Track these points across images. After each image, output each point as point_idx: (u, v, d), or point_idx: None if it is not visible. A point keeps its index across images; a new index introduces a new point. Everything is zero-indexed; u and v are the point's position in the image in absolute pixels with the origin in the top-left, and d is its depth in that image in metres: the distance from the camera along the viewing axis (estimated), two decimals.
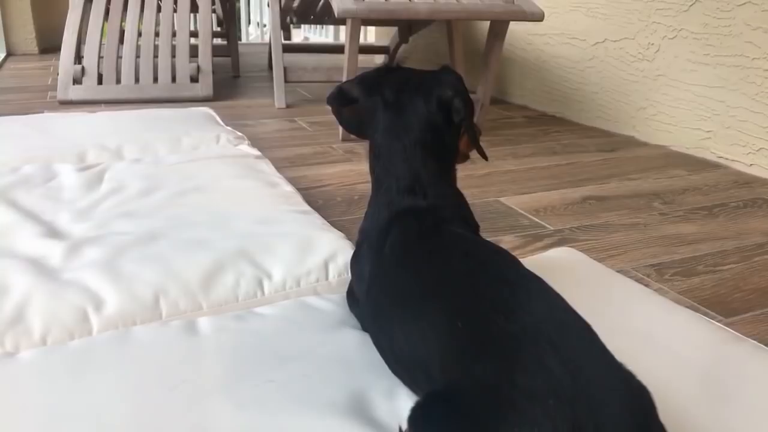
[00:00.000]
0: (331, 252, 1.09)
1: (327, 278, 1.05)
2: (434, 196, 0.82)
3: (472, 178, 1.99)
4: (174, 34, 3.12)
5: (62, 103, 2.88)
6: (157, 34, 3.11)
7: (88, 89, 2.93)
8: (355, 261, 0.91)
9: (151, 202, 1.33)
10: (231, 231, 1.16)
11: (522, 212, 1.72)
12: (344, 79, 2.28)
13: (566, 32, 2.83)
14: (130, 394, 0.73)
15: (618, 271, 1.32)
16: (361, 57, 2.30)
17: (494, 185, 1.93)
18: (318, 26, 6.13)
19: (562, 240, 1.54)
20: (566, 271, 1.11)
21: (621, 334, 0.87)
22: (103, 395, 0.73)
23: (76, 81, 2.94)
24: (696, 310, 1.22)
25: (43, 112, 2.49)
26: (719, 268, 1.41)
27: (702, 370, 0.80)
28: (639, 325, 0.92)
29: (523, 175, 2.06)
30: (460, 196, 0.89)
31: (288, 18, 3.19)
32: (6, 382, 0.76)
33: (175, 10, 3.16)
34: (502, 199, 1.82)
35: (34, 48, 4.48)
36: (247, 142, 1.86)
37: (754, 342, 0.92)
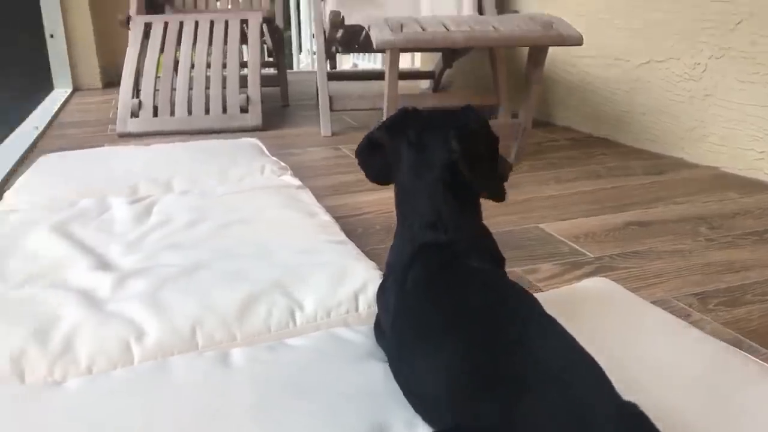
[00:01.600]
0: (362, 283, 1.11)
1: (357, 309, 1.07)
2: (454, 231, 0.84)
3: (513, 204, 1.98)
4: (224, 66, 3.24)
5: (121, 135, 3.03)
6: (208, 66, 3.25)
7: (144, 122, 3.08)
8: (381, 293, 0.93)
9: (196, 234, 1.39)
10: (269, 262, 1.20)
11: (562, 239, 1.71)
12: (385, 107, 2.33)
13: (610, 54, 2.80)
14: (168, 423, 0.76)
15: (658, 302, 1.30)
16: (407, 82, 2.34)
17: (535, 211, 1.92)
18: (366, 56, 6.25)
19: (601, 268, 1.52)
20: (598, 301, 1.10)
21: (644, 366, 0.86)
22: (141, 423, 0.77)
23: (134, 114, 3.09)
24: (739, 342, 1.18)
25: (102, 146, 2.63)
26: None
27: (724, 402, 0.79)
28: (664, 356, 0.90)
29: (565, 200, 2.04)
30: (483, 229, 0.90)
31: (333, 48, 3.27)
32: (54, 410, 0.81)
33: (225, 42, 3.29)
34: (542, 225, 1.81)
35: (98, 83, 4.73)
36: (289, 172, 1.92)
37: None
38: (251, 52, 3.29)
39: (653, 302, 1.15)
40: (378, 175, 0.95)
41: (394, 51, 2.16)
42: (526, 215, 1.89)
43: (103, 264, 1.23)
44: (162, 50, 3.24)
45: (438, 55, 3.85)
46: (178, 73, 3.21)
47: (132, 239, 1.37)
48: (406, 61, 5.40)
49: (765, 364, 0.95)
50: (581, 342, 0.67)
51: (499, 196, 0.92)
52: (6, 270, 1.22)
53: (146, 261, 1.25)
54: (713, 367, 0.88)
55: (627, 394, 0.61)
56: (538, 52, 2.24)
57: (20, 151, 2.72)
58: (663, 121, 2.58)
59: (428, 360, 0.69)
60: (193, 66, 3.24)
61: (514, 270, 1.51)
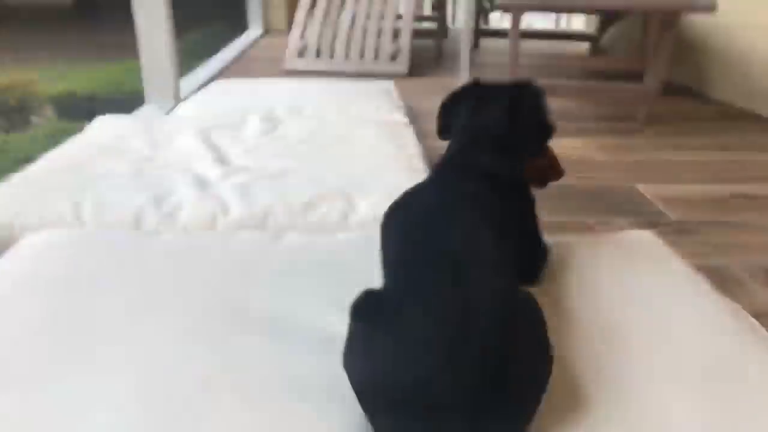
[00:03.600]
0: None
1: None
2: (476, 163, 0.94)
3: (620, 164, 1.98)
4: (382, 17, 3.47)
5: (287, 72, 3.41)
6: (368, 16, 3.50)
7: (308, 61, 3.43)
8: None
9: (300, 149, 1.64)
10: (345, 174, 1.41)
11: (651, 200, 1.71)
12: (510, 63, 2.39)
13: None
14: (216, 272, 0.99)
15: (715, 267, 1.30)
16: (566, 44, 2.35)
17: (639, 171, 1.91)
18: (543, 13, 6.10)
19: (676, 230, 1.52)
20: (626, 249, 1.13)
21: (639, 308, 0.89)
22: (198, 268, 1.01)
23: (300, 54, 3.45)
24: None
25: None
26: None
27: (704, 358, 0.80)
28: (656, 301, 0.91)
29: (677, 166, 1.99)
30: (517, 185, 0.97)
31: (486, 3, 3.34)
32: (153, 250, 1.09)
33: None
34: (638, 186, 1.80)
35: (284, 25, 5.23)
36: (402, 112, 2.09)
37: None
38: (405, 5, 3.47)
39: (711, 266, 1.16)
40: (443, 130, 1.05)
41: (515, 11, 2.21)
42: (628, 174, 1.88)
43: (221, 159, 1.53)
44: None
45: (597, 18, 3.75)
46: (341, 21, 3.50)
47: (251, 146, 1.65)
48: (576, 21, 5.23)
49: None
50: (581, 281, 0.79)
51: (536, 155, 0.99)
52: (155, 156, 1.57)
53: (254, 162, 1.52)
54: (699, 320, 0.89)
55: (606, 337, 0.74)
56: (670, 17, 2.15)
57: (206, 77, 3.20)
58: None
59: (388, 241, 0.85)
60: (354, 15, 3.51)
61: (586, 221, 1.56)
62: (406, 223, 0.85)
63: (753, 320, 0.83)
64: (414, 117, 2.14)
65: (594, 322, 0.84)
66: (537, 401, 0.63)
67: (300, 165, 1.49)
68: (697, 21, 2.99)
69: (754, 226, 1.55)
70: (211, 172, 1.44)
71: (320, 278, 0.97)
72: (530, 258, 0.93)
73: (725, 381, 0.73)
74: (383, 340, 0.63)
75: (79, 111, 3.79)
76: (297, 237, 1.14)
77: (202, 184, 1.37)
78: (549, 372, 0.65)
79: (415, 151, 1.67)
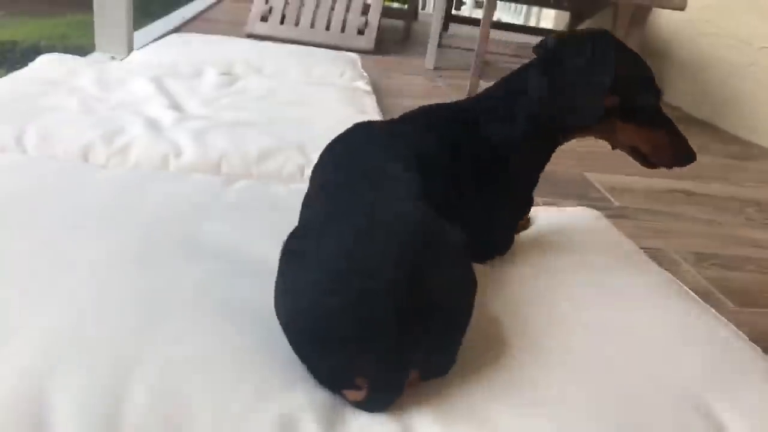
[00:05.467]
0: None
1: None
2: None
3: (574, 152, 2.02)
4: None
5: (249, 35, 3.34)
6: None
7: (271, 26, 3.37)
8: None
9: (259, 104, 1.61)
10: (302, 131, 1.39)
11: (598, 187, 1.76)
12: (477, 46, 2.41)
13: (733, 34, 2.66)
14: (160, 209, 0.97)
15: (653, 249, 1.35)
16: (535, 39, 2.39)
17: (589, 161, 1.96)
18: (513, 8, 6.16)
19: (618, 215, 1.58)
20: (570, 223, 1.16)
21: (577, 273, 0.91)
22: (144, 202, 0.98)
23: (263, 18, 3.39)
24: (707, 293, 1.23)
25: None
26: None
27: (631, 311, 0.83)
28: (604, 269, 0.94)
29: (625, 159, 2.03)
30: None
31: None
32: (98, 181, 1.06)
33: None
34: (587, 174, 1.86)
35: None
36: (366, 81, 2.09)
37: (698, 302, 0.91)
38: None
39: (647, 247, 1.20)
40: None
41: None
42: (578, 162, 1.94)
43: (175, 106, 1.49)
44: None
45: (567, 15, 3.82)
46: None
47: (207, 98, 1.62)
48: (545, 18, 5.32)
49: (701, 303, 0.95)
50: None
51: (592, 123, 0.81)
52: (108, 97, 1.51)
53: (210, 112, 1.49)
54: (635, 280, 0.93)
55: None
56: (641, 13, 2.22)
57: (161, 32, 3.11)
58: (765, 111, 2.45)
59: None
60: None
61: (536, 199, 1.60)
62: (336, 153, 0.81)
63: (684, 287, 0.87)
64: (376, 91, 2.13)
65: (528, 286, 0.85)
66: (454, 332, 0.61)
67: (257, 119, 1.47)
68: (661, 30, 3.09)
69: (688, 218, 1.63)
70: (165, 116, 1.40)
71: (271, 219, 0.95)
72: (484, 240, 0.81)
73: (650, 328, 0.76)
74: (293, 276, 0.62)
75: (18, 61, 3.63)
76: (250, 183, 1.13)
77: (154, 126, 1.33)
78: (470, 303, 0.63)
79: (375, 116, 1.67)
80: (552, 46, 0.81)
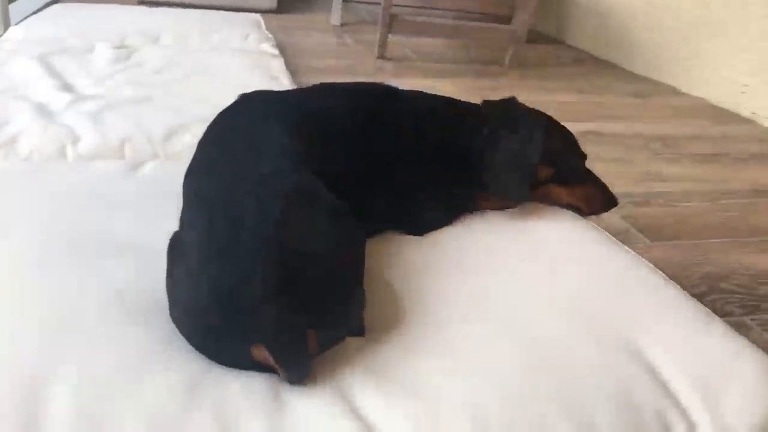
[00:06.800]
0: None
1: None
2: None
3: (482, 91, 2.04)
4: None
5: (141, 2, 3.13)
6: None
7: None
8: None
9: (158, 78, 1.51)
10: (208, 104, 1.31)
11: None
12: (383, 2, 2.35)
13: None
14: (62, 204, 0.89)
15: None
16: None
17: None
18: None
19: None
20: None
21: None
22: (51, 199, 0.90)
23: None
24: (626, 231, 1.28)
25: None
26: (679, 204, 1.44)
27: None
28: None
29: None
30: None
31: None
32: None
33: None
34: None
35: None
36: (272, 43, 2.00)
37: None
38: None
39: None
40: None
41: None
42: None
43: (66, 87, 1.37)
44: None
45: None
46: None
47: (101, 75, 1.50)
48: None
49: (617, 243, 0.99)
50: None
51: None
52: None
53: (106, 91, 1.38)
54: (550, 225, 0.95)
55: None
56: None
57: (41, 3, 2.85)
58: (663, 49, 2.55)
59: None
60: None
61: None
62: (214, 127, 0.82)
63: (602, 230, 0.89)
64: (283, 53, 2.05)
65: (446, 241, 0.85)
66: (335, 289, 0.60)
67: (159, 94, 1.37)
68: None
69: (599, 158, 1.67)
70: (55, 99, 1.29)
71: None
72: (410, 214, 0.83)
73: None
74: (171, 270, 0.63)
75: None
76: (157, 164, 1.06)
77: (44, 112, 1.22)
78: (347, 260, 0.64)
79: (287, 82, 1.60)
80: (486, 132, 0.86)
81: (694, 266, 1.15)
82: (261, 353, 0.55)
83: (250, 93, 0.86)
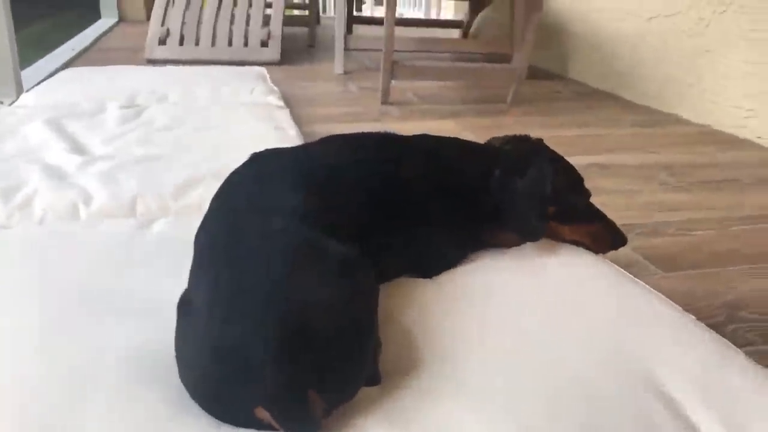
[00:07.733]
0: None
1: None
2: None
3: (485, 130, 2.06)
4: (250, 4, 3.38)
5: (149, 61, 3.22)
6: (235, 4, 3.39)
7: (171, 49, 3.26)
8: None
9: (167, 135, 1.54)
10: (218, 157, 1.34)
11: None
12: (384, 47, 2.41)
13: (622, 7, 2.78)
14: (78, 264, 0.90)
15: None
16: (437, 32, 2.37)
17: None
18: (413, 2, 6.22)
19: None
20: None
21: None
22: (64, 260, 0.91)
23: (161, 42, 3.27)
24: (638, 263, 1.27)
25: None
26: (691, 233, 1.43)
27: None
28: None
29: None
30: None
31: None
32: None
33: None
34: None
35: (142, 15, 4.94)
36: (277, 95, 2.04)
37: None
38: None
39: None
40: None
41: None
42: None
43: (78, 149, 1.40)
44: None
45: (467, 5, 3.89)
46: (206, 7, 3.36)
47: (112, 135, 1.53)
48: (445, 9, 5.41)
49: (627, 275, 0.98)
50: None
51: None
52: (1, 149, 1.41)
53: (116, 150, 1.41)
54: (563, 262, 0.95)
55: None
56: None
57: (53, 68, 2.94)
58: (664, 78, 2.58)
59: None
60: (220, 2, 3.38)
61: None
62: (225, 186, 0.83)
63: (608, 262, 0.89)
64: (289, 103, 2.10)
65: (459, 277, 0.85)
66: (342, 346, 0.58)
67: (168, 151, 1.40)
68: (557, 8, 3.19)
69: (606, 190, 1.68)
70: (67, 162, 1.32)
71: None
72: (422, 259, 0.84)
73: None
74: (178, 335, 0.62)
75: None
76: (169, 221, 1.07)
77: (57, 174, 1.25)
78: (358, 318, 0.62)
79: (293, 132, 1.63)
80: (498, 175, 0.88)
81: (711, 296, 1.14)
82: (264, 415, 0.55)
83: (260, 152, 0.88)
